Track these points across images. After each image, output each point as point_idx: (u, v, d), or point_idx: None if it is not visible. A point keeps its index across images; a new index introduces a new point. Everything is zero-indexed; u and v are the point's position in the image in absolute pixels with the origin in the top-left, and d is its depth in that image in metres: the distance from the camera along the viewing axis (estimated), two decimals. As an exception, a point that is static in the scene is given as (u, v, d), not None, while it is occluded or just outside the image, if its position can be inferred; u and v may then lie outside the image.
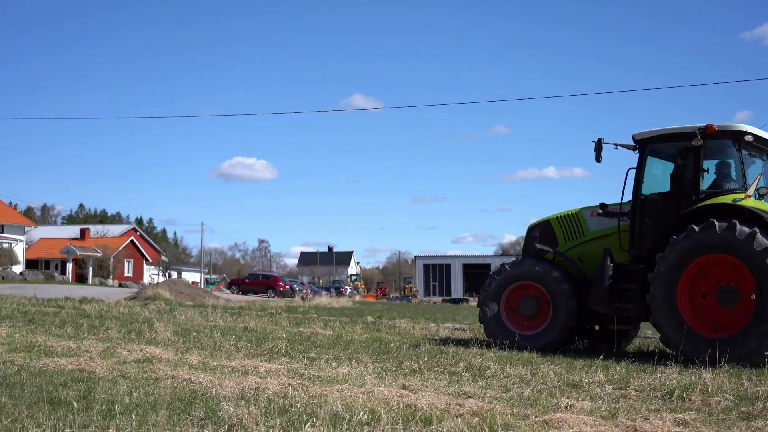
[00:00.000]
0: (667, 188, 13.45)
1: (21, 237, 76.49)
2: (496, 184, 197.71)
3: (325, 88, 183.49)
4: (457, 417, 6.69)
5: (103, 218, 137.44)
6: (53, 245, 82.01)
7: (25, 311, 19.33)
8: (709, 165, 13.05)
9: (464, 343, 14.54)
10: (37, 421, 5.94)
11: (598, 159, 13.65)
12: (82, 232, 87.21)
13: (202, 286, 73.30)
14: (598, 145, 13.66)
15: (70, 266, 77.55)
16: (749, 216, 11.63)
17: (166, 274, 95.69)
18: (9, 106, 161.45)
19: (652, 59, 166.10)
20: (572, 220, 14.51)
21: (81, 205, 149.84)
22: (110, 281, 74.79)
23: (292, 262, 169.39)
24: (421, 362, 10.55)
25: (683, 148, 13.11)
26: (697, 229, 11.79)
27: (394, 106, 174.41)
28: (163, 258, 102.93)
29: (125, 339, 12.48)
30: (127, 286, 61.66)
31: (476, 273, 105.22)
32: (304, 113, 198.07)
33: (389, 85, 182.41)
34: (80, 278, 76.41)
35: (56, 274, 73.50)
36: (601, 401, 7.76)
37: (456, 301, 71.57)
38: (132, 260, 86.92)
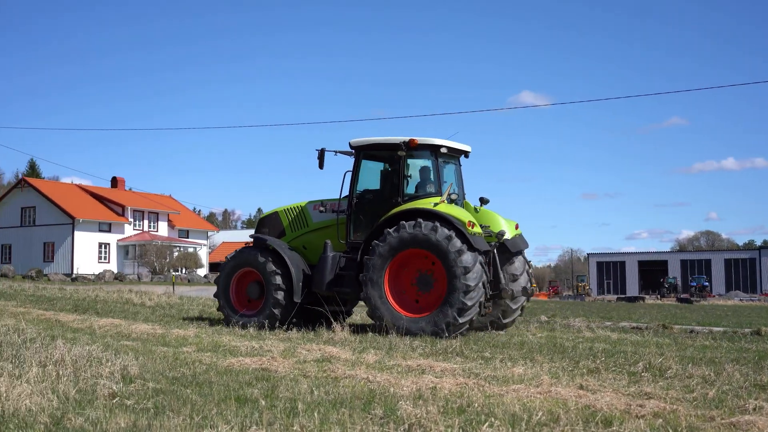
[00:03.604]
0: (377, 189, 15.40)
1: (205, 241, 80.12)
2: (671, 177, 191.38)
3: (492, 86, 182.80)
4: (638, 418, 6.54)
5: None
6: (234, 248, 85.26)
7: (210, 313, 20.17)
8: (414, 171, 15.25)
9: (642, 342, 14.14)
10: (225, 418, 6.20)
11: (320, 166, 15.48)
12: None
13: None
14: (321, 153, 15.44)
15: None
16: (446, 220, 13.73)
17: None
18: (192, 117, 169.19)
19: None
20: (297, 213, 16.29)
21: (259, 210, 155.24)
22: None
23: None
24: (598, 362, 10.35)
25: (391, 156, 15.10)
26: (406, 226, 13.80)
27: (565, 102, 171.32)
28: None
29: (304, 339, 12.82)
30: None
31: (652, 270, 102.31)
32: (472, 113, 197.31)
33: (558, 81, 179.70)
34: (259, 280, 78.97)
35: (237, 277, 76.07)
36: (792, 403, 7.38)
37: (631, 299, 69.46)
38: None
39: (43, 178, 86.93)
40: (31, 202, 66.65)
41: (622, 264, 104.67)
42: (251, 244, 16.15)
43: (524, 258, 15.45)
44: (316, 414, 6.32)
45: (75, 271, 61.39)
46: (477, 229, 14.08)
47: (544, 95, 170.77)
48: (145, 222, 71.79)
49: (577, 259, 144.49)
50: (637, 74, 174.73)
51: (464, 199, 15.69)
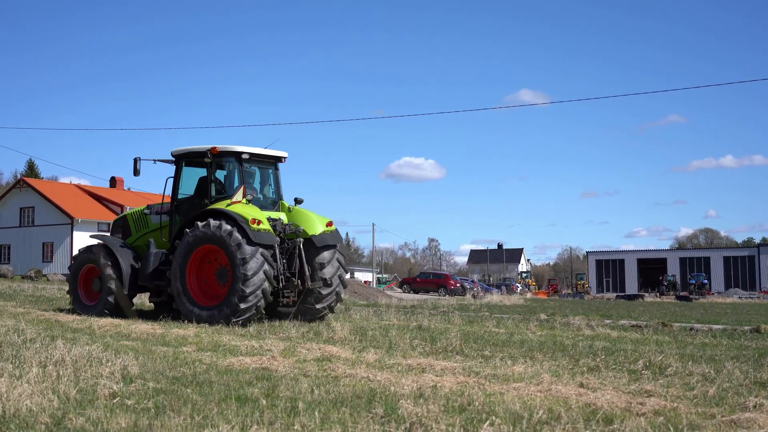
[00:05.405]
0: (193, 193, 17.04)
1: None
2: (670, 175, 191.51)
3: (490, 84, 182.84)
4: (639, 416, 6.55)
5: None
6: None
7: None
8: (221, 176, 16.85)
9: (642, 340, 14.16)
10: (226, 417, 6.20)
11: (135, 173, 17.15)
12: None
13: (375, 286, 74.43)
14: (135, 162, 17.12)
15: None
16: (231, 218, 15.16)
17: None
18: (190, 117, 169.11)
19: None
20: (139, 215, 18.10)
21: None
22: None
23: (462, 260, 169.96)
24: (598, 360, 10.36)
25: (203, 163, 16.71)
26: (200, 225, 15.32)
27: (563, 100, 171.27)
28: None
29: (304, 338, 12.82)
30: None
31: (651, 268, 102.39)
32: (470, 111, 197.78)
33: (556, 79, 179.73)
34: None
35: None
36: (792, 400, 7.38)
37: (630, 297, 69.55)
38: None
39: (42, 178, 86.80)
40: (30, 203, 66.56)
41: (621, 262, 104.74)
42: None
43: (337, 253, 16.82)
44: (316, 413, 6.32)
45: (74, 271, 61.21)
46: (263, 226, 15.27)
47: (543, 93, 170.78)
48: (144, 222, 71.59)
49: (576, 257, 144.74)
50: (636, 72, 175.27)
51: (281, 200, 17.24)
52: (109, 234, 18.83)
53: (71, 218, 62.81)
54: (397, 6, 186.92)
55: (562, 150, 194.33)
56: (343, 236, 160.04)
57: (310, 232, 16.32)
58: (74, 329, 13.78)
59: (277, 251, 15.74)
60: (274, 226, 15.95)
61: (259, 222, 15.19)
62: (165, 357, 9.94)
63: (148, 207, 17.99)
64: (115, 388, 7.35)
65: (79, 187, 73.19)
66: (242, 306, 14.70)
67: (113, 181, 75.84)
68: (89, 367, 8.43)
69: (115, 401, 6.82)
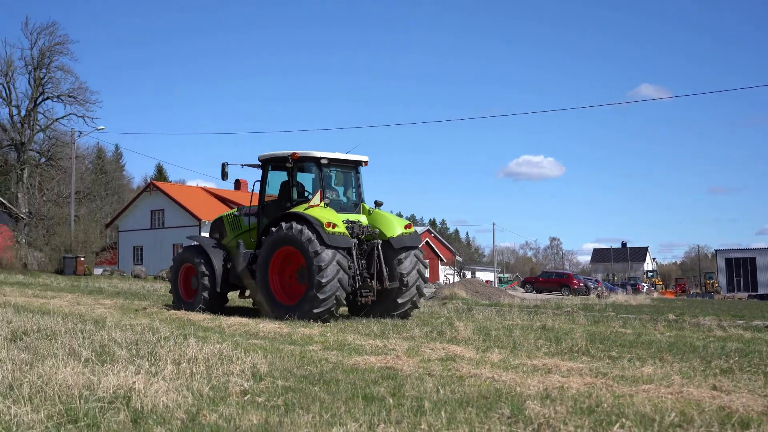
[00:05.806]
0: (278, 196, 17.88)
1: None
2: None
3: (610, 80, 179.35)
4: (777, 421, 6.31)
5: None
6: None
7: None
8: (303, 179, 17.60)
9: (778, 341, 13.63)
10: (353, 415, 6.28)
11: (223, 177, 17.97)
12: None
13: (496, 285, 73.92)
14: (223, 167, 17.97)
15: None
16: (310, 222, 15.68)
17: (461, 274, 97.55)
18: (307, 118, 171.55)
19: None
20: (234, 217, 18.95)
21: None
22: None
23: (585, 259, 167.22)
24: (731, 362, 10.03)
25: (285, 167, 17.40)
26: (283, 227, 16.03)
27: (687, 94, 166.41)
28: (457, 258, 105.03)
29: (427, 338, 12.85)
30: (423, 286, 63.21)
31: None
32: (589, 108, 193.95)
33: (677, 73, 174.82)
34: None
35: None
36: None
37: (763, 297, 67.01)
38: (427, 261, 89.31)
39: (170, 182, 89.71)
40: (160, 205, 68.89)
41: (753, 260, 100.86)
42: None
43: (415, 254, 17.19)
44: (443, 413, 6.33)
45: (203, 272, 62.89)
46: (338, 229, 15.80)
47: (663, 88, 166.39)
48: (269, 223, 72.95)
49: (704, 255, 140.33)
50: (761, 62, 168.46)
51: (362, 202, 17.77)
52: (208, 235, 19.90)
53: (199, 220, 64.68)
54: (513, 5, 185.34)
55: (687, 145, 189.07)
56: (463, 236, 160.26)
57: (389, 234, 16.84)
58: (205, 328, 14.18)
59: (355, 252, 16.31)
60: (351, 228, 16.52)
61: (334, 225, 15.74)
62: (292, 355, 10.12)
63: (239, 209, 19.05)
64: (245, 385, 7.54)
65: (205, 189, 75.36)
66: (315, 311, 15.40)
67: (237, 184, 77.44)
68: (220, 364, 8.66)
69: (246, 398, 7.00)
